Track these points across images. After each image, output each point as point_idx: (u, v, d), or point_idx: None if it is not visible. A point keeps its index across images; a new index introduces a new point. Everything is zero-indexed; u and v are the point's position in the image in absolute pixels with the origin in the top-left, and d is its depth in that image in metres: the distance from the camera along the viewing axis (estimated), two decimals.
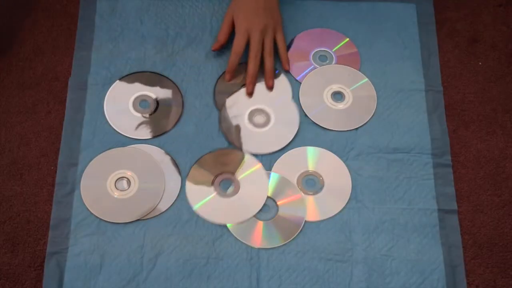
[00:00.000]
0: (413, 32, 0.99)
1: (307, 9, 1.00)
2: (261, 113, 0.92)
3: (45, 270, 0.81)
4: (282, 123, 0.91)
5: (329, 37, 0.99)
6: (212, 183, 0.87)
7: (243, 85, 0.93)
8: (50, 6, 1.00)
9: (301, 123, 0.92)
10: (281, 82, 0.95)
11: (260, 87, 0.93)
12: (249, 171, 0.87)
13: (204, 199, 0.86)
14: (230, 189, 0.86)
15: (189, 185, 0.86)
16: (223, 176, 0.87)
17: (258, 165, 0.87)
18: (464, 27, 1.01)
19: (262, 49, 0.91)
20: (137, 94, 0.92)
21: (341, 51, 0.98)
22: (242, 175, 0.87)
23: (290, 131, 0.91)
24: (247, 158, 0.88)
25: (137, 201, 0.85)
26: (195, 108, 0.92)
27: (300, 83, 0.95)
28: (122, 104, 0.91)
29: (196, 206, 0.85)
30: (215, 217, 0.84)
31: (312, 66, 0.97)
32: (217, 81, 0.94)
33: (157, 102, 0.91)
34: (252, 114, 0.91)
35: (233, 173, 0.87)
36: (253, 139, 0.90)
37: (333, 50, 0.98)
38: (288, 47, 0.97)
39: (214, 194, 0.86)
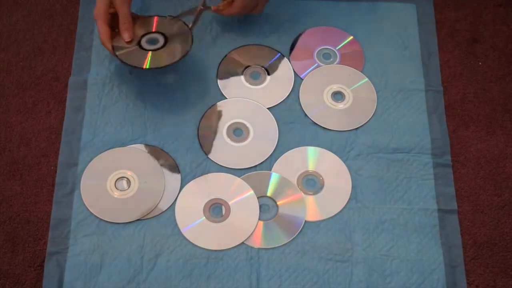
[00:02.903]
0: (413, 32, 0.99)
1: (307, 9, 1.00)
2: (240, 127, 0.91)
3: (45, 270, 0.81)
4: (262, 137, 0.91)
5: (333, 35, 0.99)
6: (203, 207, 0.85)
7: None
8: (50, 6, 1.00)
9: (301, 123, 0.92)
10: (285, 78, 0.95)
11: (242, 102, 0.93)
12: (241, 196, 0.86)
13: (193, 223, 0.84)
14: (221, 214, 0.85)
15: (178, 208, 0.85)
16: (214, 201, 0.86)
17: (250, 191, 0.86)
18: (464, 27, 1.01)
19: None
20: None
21: (345, 49, 0.98)
22: (233, 200, 0.86)
23: (270, 144, 0.90)
24: (240, 183, 0.87)
25: (137, 201, 0.85)
26: (195, 108, 0.92)
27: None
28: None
29: (185, 230, 0.84)
30: (203, 242, 0.83)
31: (316, 64, 0.97)
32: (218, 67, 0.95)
33: (165, 38, 0.89)
34: (230, 128, 0.91)
35: (224, 198, 0.86)
36: (231, 153, 0.89)
37: (337, 48, 0.98)
38: (293, 45, 0.98)
39: (203, 218, 0.85)
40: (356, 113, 0.93)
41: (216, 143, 0.90)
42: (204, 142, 0.90)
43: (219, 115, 0.92)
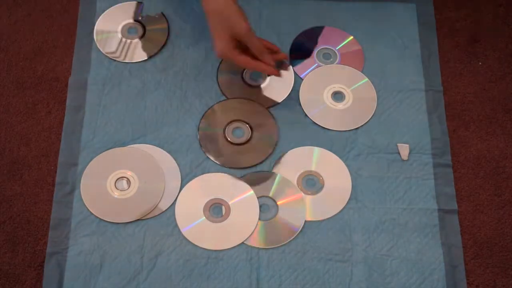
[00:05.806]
0: (413, 32, 0.99)
1: (307, 9, 1.00)
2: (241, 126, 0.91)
3: (45, 270, 0.81)
4: (262, 137, 0.91)
5: (333, 35, 0.99)
6: (203, 207, 0.85)
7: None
8: (50, 6, 1.00)
9: (301, 123, 0.92)
10: (285, 78, 0.95)
11: (242, 102, 0.93)
12: (241, 196, 0.86)
13: (193, 223, 0.84)
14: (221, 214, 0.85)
15: (178, 208, 0.85)
16: (214, 201, 0.86)
17: (250, 191, 0.86)
18: (464, 27, 1.01)
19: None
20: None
21: (345, 49, 0.98)
22: (233, 200, 0.86)
23: (270, 144, 0.90)
24: (239, 183, 0.87)
25: (137, 201, 0.85)
26: (195, 108, 0.92)
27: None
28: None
29: (185, 230, 0.84)
30: (203, 242, 0.83)
31: (316, 64, 0.97)
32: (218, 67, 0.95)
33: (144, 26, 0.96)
34: (232, 128, 0.91)
35: (224, 197, 0.86)
36: (231, 153, 0.89)
37: (337, 48, 0.98)
38: (293, 45, 0.98)
39: (203, 218, 0.85)
40: (356, 113, 0.93)
41: (216, 143, 0.90)
42: (204, 142, 0.90)
43: (219, 115, 0.92)
